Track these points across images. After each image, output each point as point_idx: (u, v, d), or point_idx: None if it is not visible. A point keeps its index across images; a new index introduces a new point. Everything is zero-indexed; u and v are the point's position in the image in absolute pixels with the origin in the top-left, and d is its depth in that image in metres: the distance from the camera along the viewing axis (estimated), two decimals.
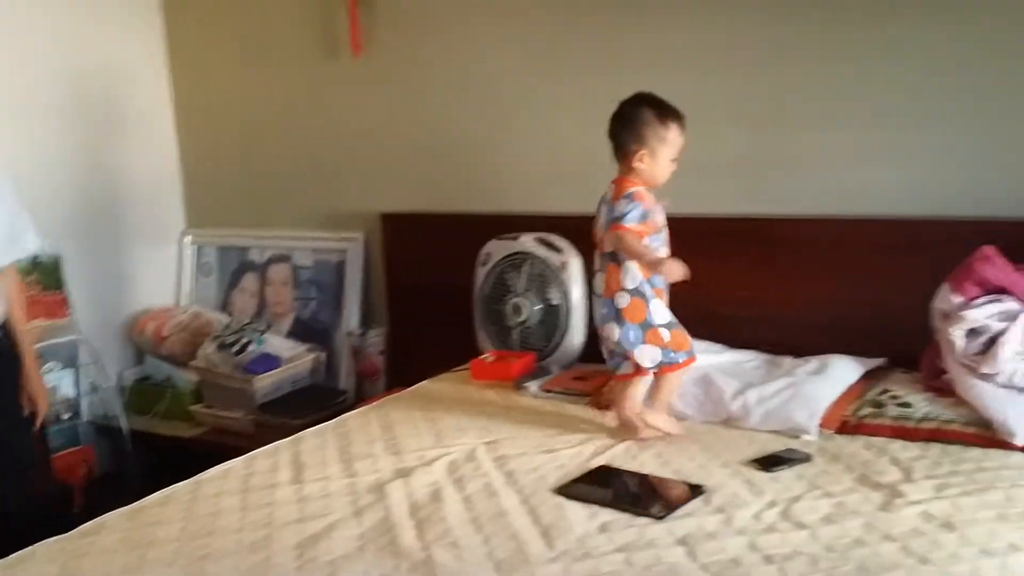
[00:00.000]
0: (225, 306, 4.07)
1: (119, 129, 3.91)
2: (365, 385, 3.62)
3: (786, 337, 2.75)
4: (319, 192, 3.81)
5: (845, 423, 2.37)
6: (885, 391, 2.45)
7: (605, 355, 2.44)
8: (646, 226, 2.32)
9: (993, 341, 2.31)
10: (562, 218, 3.15)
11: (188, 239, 4.17)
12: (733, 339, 2.82)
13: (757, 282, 2.86)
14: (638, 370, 2.35)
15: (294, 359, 3.67)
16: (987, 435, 2.20)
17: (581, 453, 2.31)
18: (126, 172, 3.96)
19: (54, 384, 3.51)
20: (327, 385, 3.71)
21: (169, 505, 2.12)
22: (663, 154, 2.33)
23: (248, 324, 3.73)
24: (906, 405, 2.36)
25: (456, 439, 2.45)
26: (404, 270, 3.58)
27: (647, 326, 2.33)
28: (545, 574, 1.70)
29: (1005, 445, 2.16)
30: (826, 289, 2.77)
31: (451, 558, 1.78)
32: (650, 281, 2.33)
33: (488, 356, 3.05)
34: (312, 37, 3.67)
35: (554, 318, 3.03)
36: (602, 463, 2.24)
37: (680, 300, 2.44)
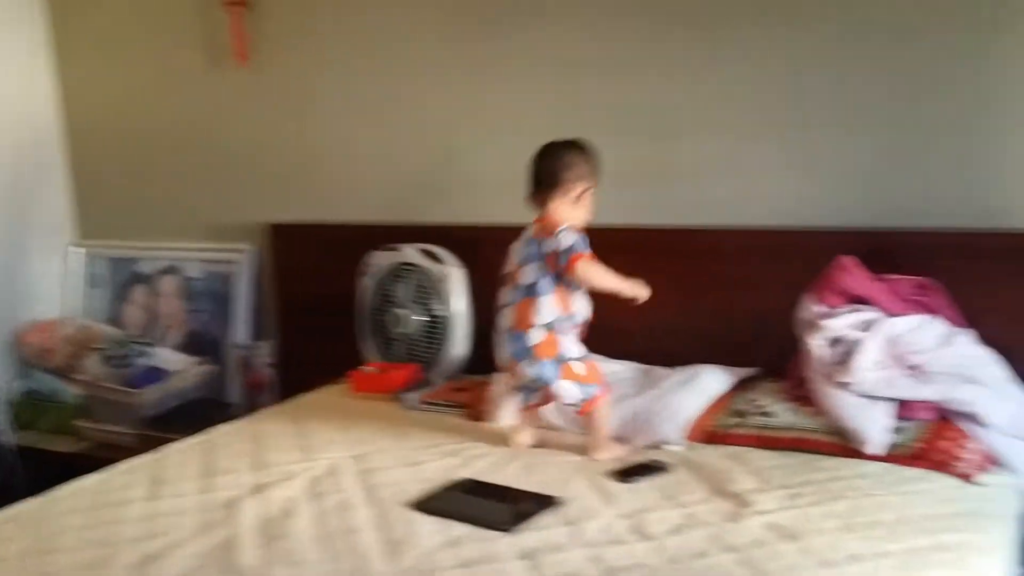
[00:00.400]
0: (116, 319, 3.97)
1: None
2: (256, 397, 3.55)
3: (660, 347, 2.76)
4: (209, 203, 3.74)
5: (711, 433, 2.38)
6: (751, 401, 2.47)
7: (514, 388, 2.40)
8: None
9: (851, 351, 2.33)
10: (447, 228, 3.14)
11: (74, 250, 4.06)
12: (607, 350, 2.82)
13: None
14: (547, 398, 2.34)
15: (182, 372, 3.59)
16: (843, 444, 2.22)
17: (447, 466, 2.29)
18: (11, 186, 3.84)
19: None
20: (217, 398, 3.64)
21: (16, 522, 2.05)
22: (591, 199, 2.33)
23: (134, 337, 3.65)
24: (769, 415, 2.38)
25: (323, 452, 2.41)
26: (295, 281, 3.53)
27: (561, 360, 2.28)
28: None
29: (860, 454, 2.18)
30: (700, 299, 2.78)
31: None
32: (569, 317, 2.29)
33: (369, 367, 3.02)
34: (199, 46, 3.61)
35: (437, 329, 3.00)
36: (467, 476, 2.21)
37: None
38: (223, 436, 2.60)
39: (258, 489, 2.17)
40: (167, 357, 3.65)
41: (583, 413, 2.32)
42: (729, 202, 2.80)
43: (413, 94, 3.24)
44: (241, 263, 3.66)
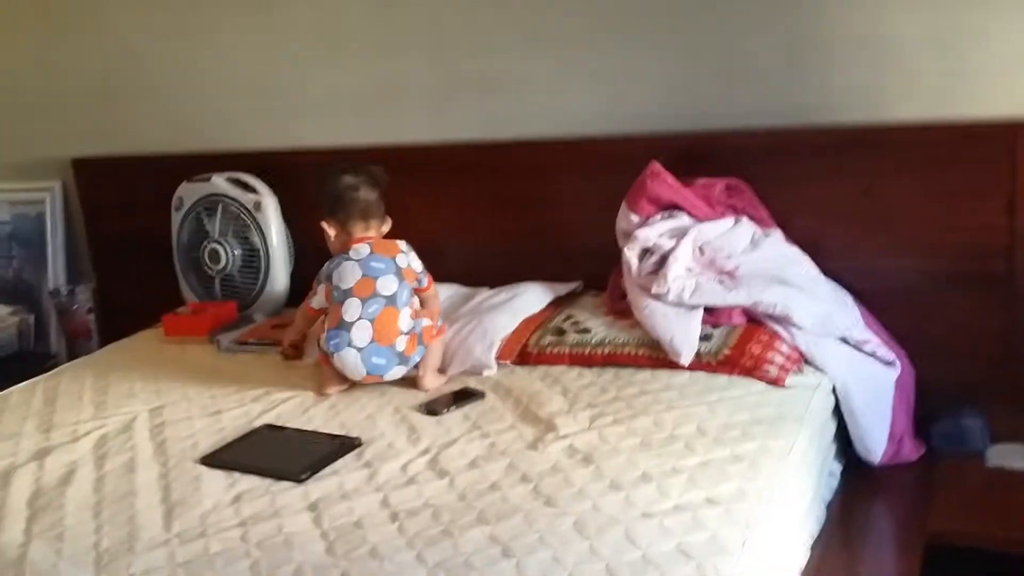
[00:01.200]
0: None
1: None
2: (78, 347, 3.34)
3: (481, 268, 2.67)
4: (8, 138, 3.45)
5: (527, 354, 2.30)
6: (568, 317, 2.40)
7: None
8: None
9: (665, 260, 2.27)
10: (261, 154, 2.96)
11: None
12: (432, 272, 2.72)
13: (452, 212, 2.76)
14: None
15: None
16: (657, 356, 2.17)
17: (248, 413, 2.17)
18: None
19: None
20: (36, 350, 3.42)
21: None
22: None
23: None
24: (585, 331, 2.31)
25: (119, 408, 2.27)
26: (106, 220, 3.32)
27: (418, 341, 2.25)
28: (145, 563, 1.55)
29: (673, 365, 2.14)
30: (521, 215, 2.69)
31: (49, 552, 1.61)
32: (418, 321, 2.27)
33: (184, 309, 2.85)
34: None
35: (254, 263, 2.85)
36: (267, 422, 2.10)
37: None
38: (17, 396, 2.42)
39: (38, 455, 2.02)
40: None
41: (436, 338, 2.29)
42: (535, 115, 2.68)
43: (212, 14, 3.00)
44: (48, 203, 3.40)
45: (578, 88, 2.61)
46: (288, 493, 1.75)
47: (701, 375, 2.11)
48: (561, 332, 2.33)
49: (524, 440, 1.89)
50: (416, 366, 2.23)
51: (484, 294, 2.58)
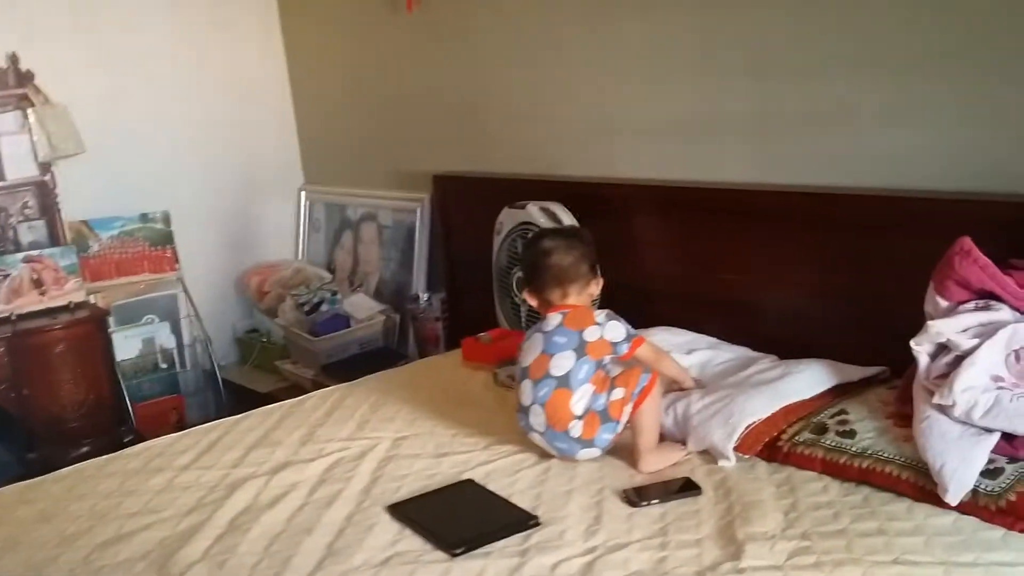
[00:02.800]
0: (330, 263, 4.14)
1: (242, 99, 4.09)
2: (427, 351, 3.54)
3: (777, 331, 2.35)
4: (395, 150, 3.74)
5: (776, 448, 1.96)
6: (840, 412, 2.00)
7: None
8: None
9: (960, 362, 1.80)
10: (593, 183, 2.87)
11: (304, 193, 4.26)
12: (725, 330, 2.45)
13: (761, 263, 2.45)
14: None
15: (365, 322, 3.66)
16: (923, 485, 1.73)
17: (469, 461, 2.12)
18: (248, 135, 4.13)
19: (150, 335, 3.76)
20: (398, 349, 3.68)
21: (61, 482, 2.19)
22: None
23: (326, 283, 3.78)
24: (849, 434, 1.91)
25: (373, 431, 2.34)
26: (456, 234, 3.44)
27: (605, 421, 2.04)
28: None
29: (940, 501, 1.69)
30: (837, 279, 2.29)
31: None
32: (601, 394, 2.04)
33: (486, 335, 2.87)
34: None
35: None
36: (479, 475, 2.02)
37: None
38: (313, 402, 2.60)
39: (275, 469, 2.14)
40: (359, 304, 3.74)
41: (637, 407, 2.02)
42: (864, 159, 2.26)
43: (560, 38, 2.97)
44: (418, 213, 3.63)
45: (922, 127, 2.15)
46: (434, 567, 1.67)
47: (971, 521, 1.64)
48: (823, 430, 1.96)
49: (698, 563, 1.61)
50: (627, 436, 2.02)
51: (764, 364, 2.25)
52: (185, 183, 3.95)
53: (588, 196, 2.84)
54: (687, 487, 1.87)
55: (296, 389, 3.60)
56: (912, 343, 1.85)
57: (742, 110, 2.48)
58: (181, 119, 3.92)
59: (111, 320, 3.68)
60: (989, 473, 1.68)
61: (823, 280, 2.31)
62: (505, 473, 2.03)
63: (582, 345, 2.04)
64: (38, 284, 3.45)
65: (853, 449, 1.86)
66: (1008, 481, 1.65)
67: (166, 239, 3.90)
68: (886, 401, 2.00)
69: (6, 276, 3.40)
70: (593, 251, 2.18)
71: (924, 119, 2.13)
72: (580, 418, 2.00)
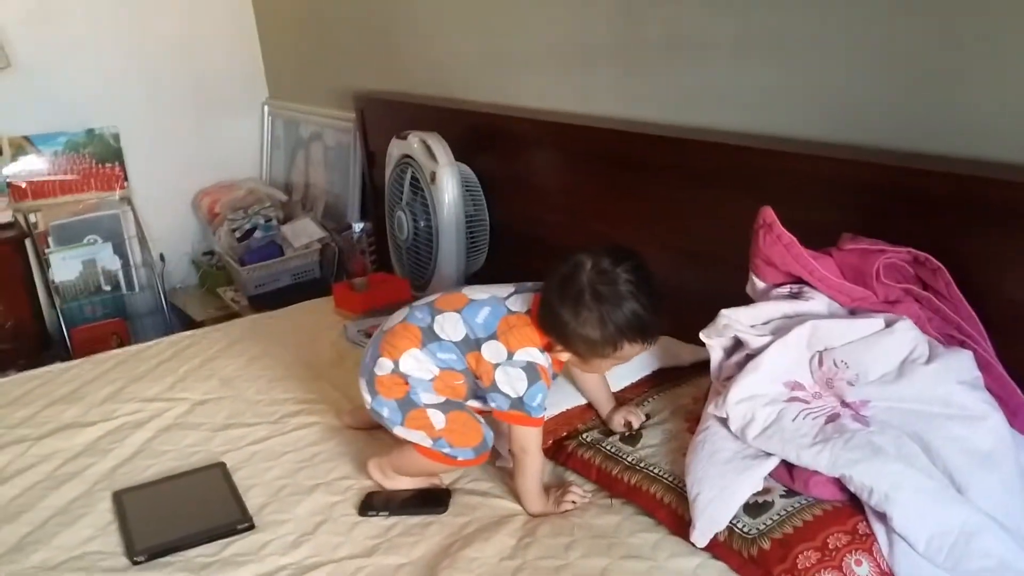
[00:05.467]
0: (288, 184, 3.92)
1: (198, 11, 3.87)
2: None
3: None
4: (336, 69, 3.47)
5: (563, 447, 1.67)
6: (646, 403, 1.69)
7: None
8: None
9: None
10: (488, 115, 2.53)
11: (268, 107, 4.03)
12: None
13: (629, 217, 2.10)
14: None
15: (302, 249, 3.46)
16: (682, 513, 1.42)
17: (246, 437, 1.90)
18: (208, 48, 3.91)
19: (91, 256, 3.64)
20: (327, 280, 3.46)
21: None
22: (602, 355, 1.52)
23: (265, 208, 3.58)
24: (633, 439, 1.60)
25: (183, 391, 2.15)
26: (382, 158, 3.15)
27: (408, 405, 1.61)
28: None
29: (687, 537, 1.38)
30: (696, 237, 1.94)
31: None
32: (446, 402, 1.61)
33: (361, 281, 2.61)
34: None
35: (429, 240, 2.49)
36: (234, 457, 1.81)
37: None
38: (159, 347, 2.42)
39: (49, 433, 1.97)
40: (300, 230, 3.54)
41: (418, 451, 1.62)
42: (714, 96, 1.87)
43: None
44: (353, 134, 3.35)
45: (784, 64, 1.74)
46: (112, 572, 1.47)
47: (718, 568, 1.33)
48: (611, 431, 1.65)
49: None
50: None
51: None
52: (137, 98, 3.78)
53: (484, 127, 2.51)
54: (431, 502, 1.59)
55: (232, 317, 3.44)
56: (702, 335, 1.51)
57: (608, 38, 2.10)
58: (129, 32, 3.72)
59: (50, 240, 3.57)
60: (755, 508, 1.35)
61: (673, 239, 1.95)
62: (268, 456, 1.81)
63: (475, 344, 1.57)
64: None
65: (628, 459, 1.55)
66: (770, 522, 1.33)
67: (115, 156, 3.75)
68: (698, 398, 1.66)
69: None
70: (608, 340, 1.48)
71: (788, 55, 1.71)
72: (397, 372, 1.60)
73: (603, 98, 2.15)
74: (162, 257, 3.85)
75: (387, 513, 1.56)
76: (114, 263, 3.71)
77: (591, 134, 2.11)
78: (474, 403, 1.62)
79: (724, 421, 1.43)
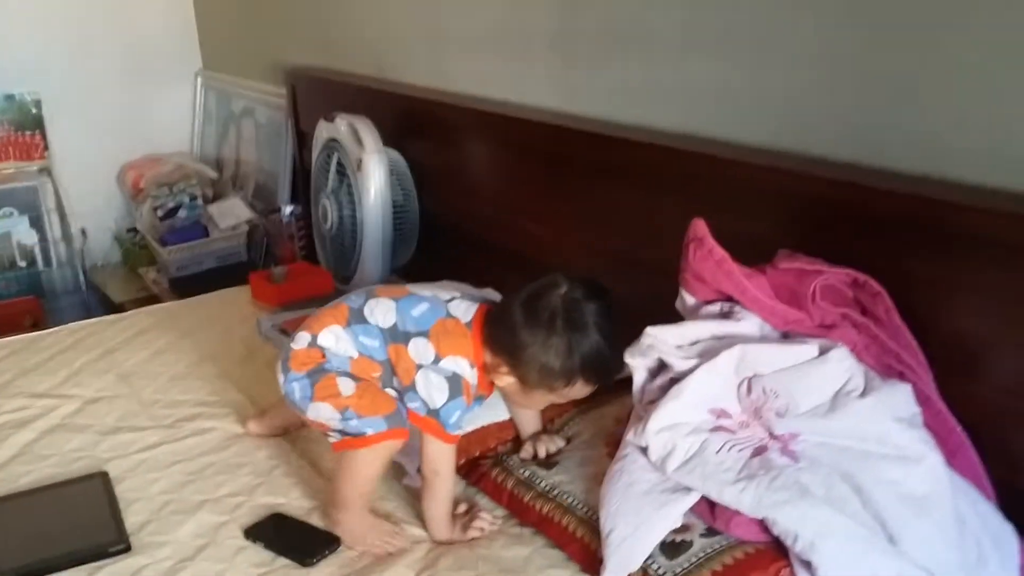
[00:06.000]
0: (219, 160, 3.74)
1: None
2: None
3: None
4: (269, 41, 3.30)
5: (477, 467, 1.54)
6: (569, 422, 1.57)
7: None
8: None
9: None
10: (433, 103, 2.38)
11: (201, 78, 3.84)
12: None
13: (562, 217, 1.97)
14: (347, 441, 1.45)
15: (228, 231, 3.29)
16: (595, 548, 1.30)
17: (135, 443, 1.75)
18: (137, 13, 3.70)
19: (6, 230, 3.44)
20: (266, 264, 3.30)
21: None
22: (542, 390, 1.41)
23: (188, 185, 3.40)
24: (549, 464, 1.48)
25: (76, 386, 2.00)
26: (306, 143, 2.99)
27: (318, 372, 1.46)
28: None
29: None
30: (627, 244, 1.82)
31: None
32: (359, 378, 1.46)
33: (279, 271, 2.46)
34: None
35: (352, 231, 2.34)
36: (117, 465, 1.66)
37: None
38: (60, 335, 2.26)
39: None
40: (227, 211, 3.37)
41: (336, 449, 1.45)
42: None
43: None
44: (286, 111, 3.18)
45: (704, 59, 1.63)
46: None
47: None
48: (538, 445, 1.53)
49: None
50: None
51: None
52: (61, 64, 3.55)
53: (419, 112, 2.37)
54: (306, 546, 1.41)
55: (153, 301, 3.27)
56: (626, 355, 1.39)
57: (547, 25, 1.97)
58: None
59: None
60: (672, 548, 1.24)
61: (602, 242, 1.83)
62: (156, 466, 1.66)
63: (401, 337, 1.43)
64: None
65: (542, 485, 1.44)
66: (687, 564, 1.21)
67: (35, 123, 3.54)
68: (620, 419, 1.54)
69: None
70: (566, 372, 1.37)
71: (734, 52, 1.59)
72: (315, 346, 1.46)
73: (541, 89, 2.02)
74: (84, 232, 3.66)
75: (263, 544, 1.42)
76: (30, 237, 3.52)
77: (525, 127, 1.98)
78: (390, 391, 1.47)
79: (644, 450, 1.31)
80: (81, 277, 3.56)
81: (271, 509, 1.51)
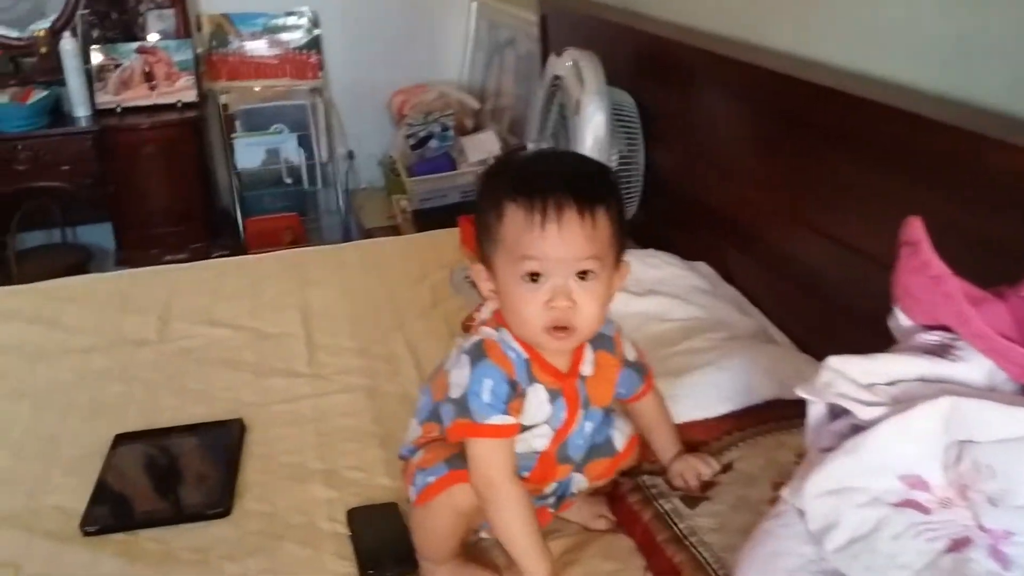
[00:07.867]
0: (483, 90, 3.63)
1: None
2: None
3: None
4: None
5: (616, 488, 1.29)
6: (726, 451, 1.27)
7: None
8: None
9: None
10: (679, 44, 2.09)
11: (475, 7, 3.72)
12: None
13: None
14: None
15: (477, 165, 3.19)
16: None
17: (290, 389, 1.65)
18: None
19: (275, 146, 3.53)
20: None
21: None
22: (506, 271, 1.08)
23: (443, 115, 3.31)
24: (695, 500, 1.20)
25: (256, 319, 1.94)
26: None
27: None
28: None
29: None
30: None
31: None
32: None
33: None
34: None
35: None
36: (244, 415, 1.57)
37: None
38: (259, 263, 2.23)
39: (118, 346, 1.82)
40: (480, 143, 3.27)
41: (416, 505, 1.20)
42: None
43: None
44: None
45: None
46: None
47: None
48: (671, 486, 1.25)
49: None
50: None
51: (712, 337, 1.51)
52: None
53: (655, 51, 2.08)
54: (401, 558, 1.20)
55: (394, 230, 3.25)
56: (798, 388, 1.07)
57: None
58: None
59: (237, 125, 3.49)
60: None
61: (830, 226, 1.47)
62: (292, 422, 1.57)
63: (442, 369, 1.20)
64: (149, 78, 3.31)
65: (681, 526, 1.16)
66: None
67: (312, 43, 3.60)
68: (803, 455, 1.21)
69: (118, 66, 3.29)
70: (487, 203, 1.10)
71: None
72: (404, 455, 1.25)
73: (784, 32, 1.66)
74: (351, 154, 3.71)
75: (351, 533, 1.24)
76: (298, 156, 3.58)
77: (756, 74, 1.64)
78: None
79: (803, 513, 1.00)
80: (340, 199, 3.59)
81: (389, 496, 1.33)
